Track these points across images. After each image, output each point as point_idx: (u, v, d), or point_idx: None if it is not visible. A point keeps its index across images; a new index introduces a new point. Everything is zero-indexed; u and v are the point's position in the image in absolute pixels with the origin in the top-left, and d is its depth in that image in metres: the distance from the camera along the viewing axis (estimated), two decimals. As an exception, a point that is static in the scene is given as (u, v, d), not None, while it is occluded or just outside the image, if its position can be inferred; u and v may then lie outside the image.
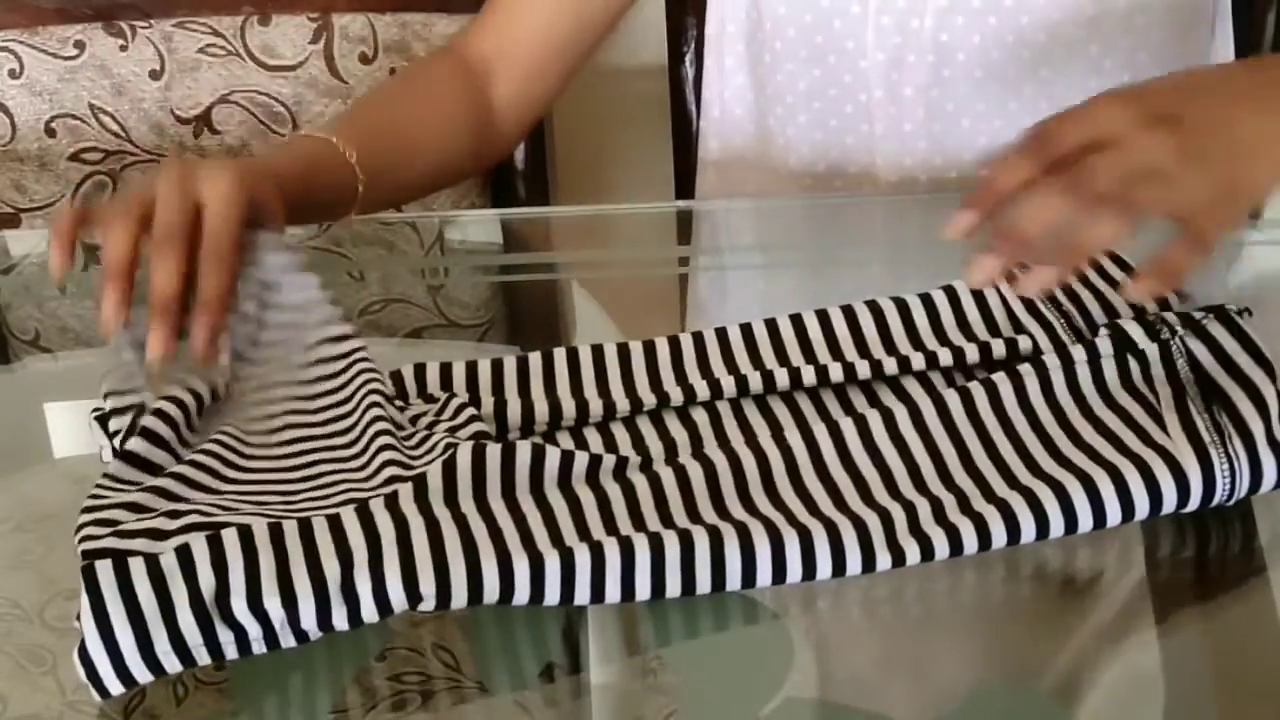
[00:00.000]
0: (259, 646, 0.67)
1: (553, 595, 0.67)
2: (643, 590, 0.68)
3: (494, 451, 0.72)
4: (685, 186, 1.36)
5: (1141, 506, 0.70)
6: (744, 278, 1.12)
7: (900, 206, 1.15)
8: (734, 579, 0.68)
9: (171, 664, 0.66)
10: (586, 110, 1.72)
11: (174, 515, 0.70)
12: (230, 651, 0.66)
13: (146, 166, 1.40)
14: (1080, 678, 0.66)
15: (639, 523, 0.70)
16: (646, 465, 0.74)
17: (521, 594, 0.67)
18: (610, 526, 0.70)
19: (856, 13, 1.09)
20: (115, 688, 0.65)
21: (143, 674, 0.66)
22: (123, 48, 1.38)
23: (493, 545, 0.68)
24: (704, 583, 0.68)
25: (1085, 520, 0.70)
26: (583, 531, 0.70)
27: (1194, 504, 0.71)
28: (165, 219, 0.79)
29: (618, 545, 0.68)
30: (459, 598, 0.67)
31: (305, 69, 1.38)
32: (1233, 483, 0.70)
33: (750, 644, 0.69)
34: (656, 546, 0.68)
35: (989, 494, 0.71)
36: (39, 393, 1.02)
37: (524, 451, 0.72)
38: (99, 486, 0.74)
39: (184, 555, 0.66)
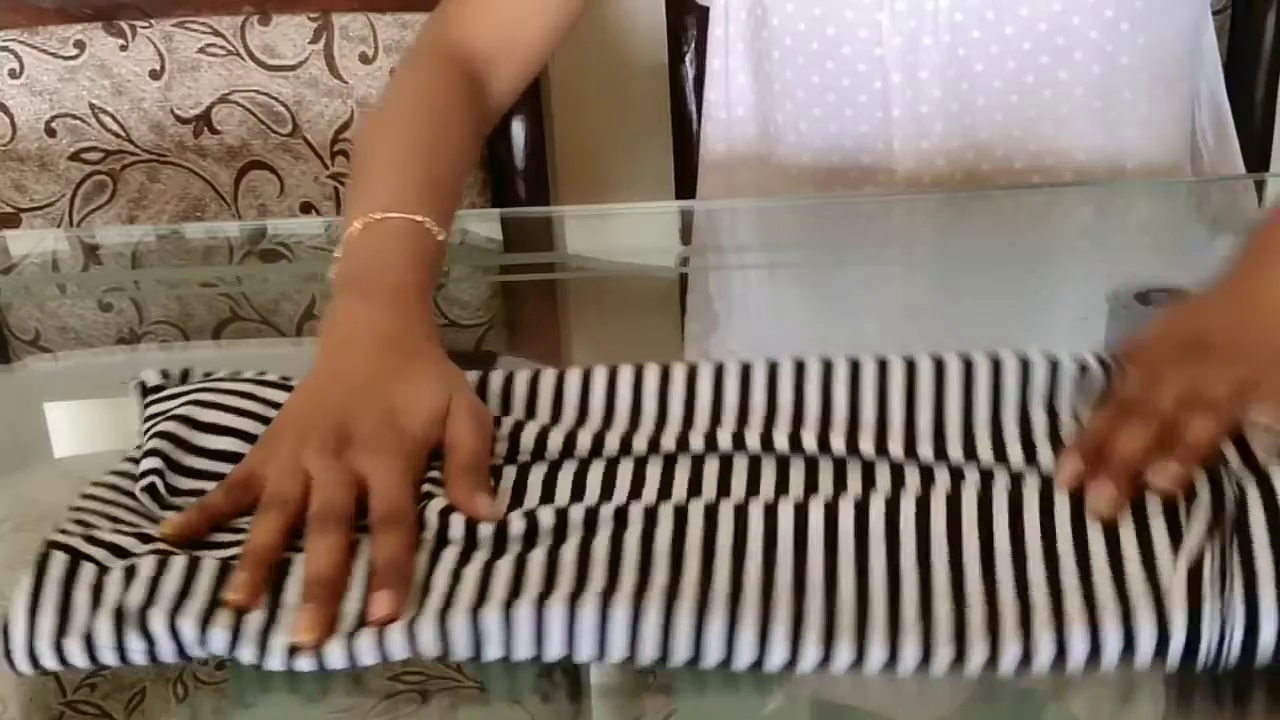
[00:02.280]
0: (170, 658, 0.67)
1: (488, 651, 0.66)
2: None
3: (458, 520, 0.71)
4: (685, 186, 1.36)
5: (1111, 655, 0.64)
6: (744, 278, 1.12)
7: (900, 206, 1.15)
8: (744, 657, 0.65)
9: (77, 658, 0.67)
10: (586, 110, 1.72)
11: (145, 539, 0.72)
12: (138, 658, 0.67)
13: (147, 166, 1.40)
14: (1081, 677, 0.66)
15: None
16: (652, 517, 0.71)
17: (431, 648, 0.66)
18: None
19: (869, 1, 1.09)
20: (24, 667, 0.67)
21: (51, 662, 0.67)
22: (123, 48, 1.38)
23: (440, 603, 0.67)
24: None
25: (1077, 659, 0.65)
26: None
27: (1173, 659, 0.64)
28: (325, 498, 0.72)
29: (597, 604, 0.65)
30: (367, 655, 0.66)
31: (305, 69, 1.38)
32: (1221, 647, 0.63)
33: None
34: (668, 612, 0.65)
35: (993, 611, 0.65)
36: (39, 393, 1.02)
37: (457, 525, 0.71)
38: (96, 485, 0.75)
39: (129, 571, 0.69)
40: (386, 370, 0.78)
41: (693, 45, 1.34)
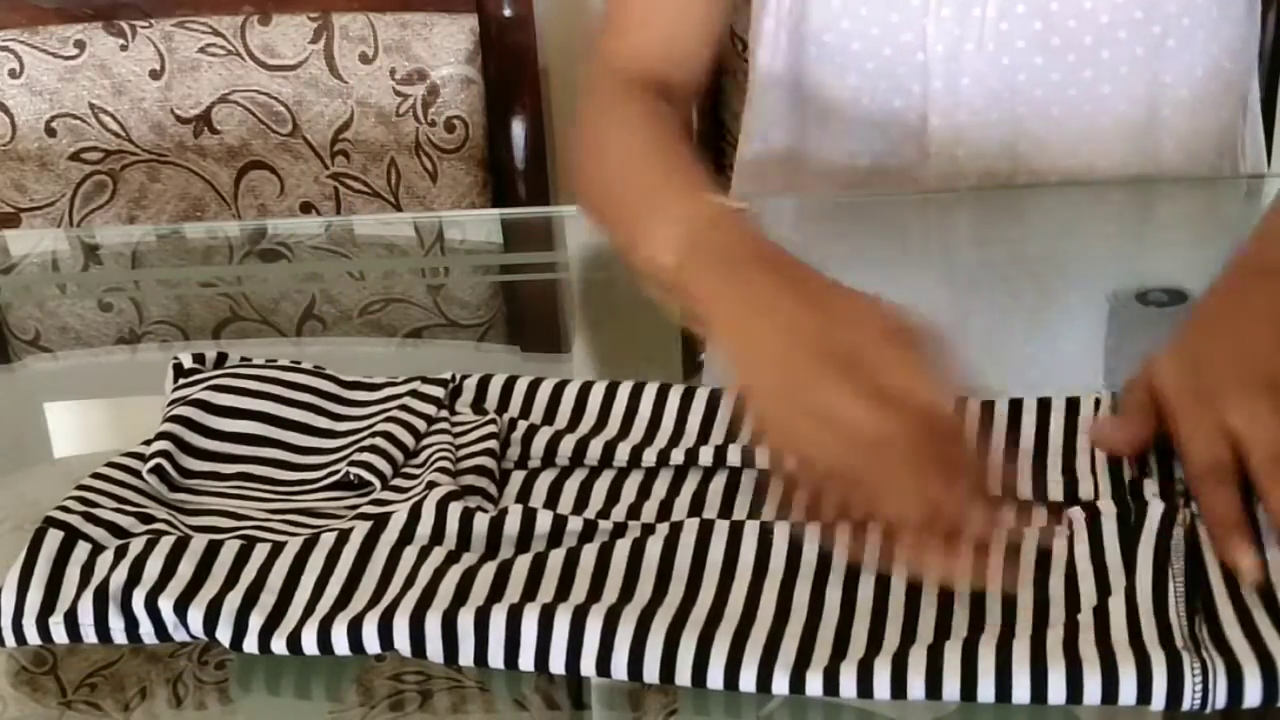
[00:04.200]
0: (150, 639, 0.69)
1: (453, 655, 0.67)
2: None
3: (454, 511, 0.72)
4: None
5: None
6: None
7: (899, 206, 1.15)
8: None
9: (60, 635, 0.69)
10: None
11: (146, 519, 0.72)
12: (119, 637, 0.69)
13: (147, 166, 1.40)
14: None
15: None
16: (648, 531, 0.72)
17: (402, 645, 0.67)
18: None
19: (916, 4, 1.08)
20: (10, 640, 0.69)
21: (34, 637, 0.69)
22: (123, 47, 1.38)
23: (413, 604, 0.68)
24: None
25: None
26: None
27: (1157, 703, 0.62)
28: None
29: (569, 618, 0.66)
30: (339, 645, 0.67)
31: (305, 69, 1.38)
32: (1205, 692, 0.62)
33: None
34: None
35: (971, 651, 0.64)
36: (39, 393, 1.02)
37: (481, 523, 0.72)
38: (107, 465, 0.76)
39: (120, 551, 0.70)
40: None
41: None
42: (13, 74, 1.37)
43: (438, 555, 0.70)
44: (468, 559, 0.70)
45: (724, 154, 1.39)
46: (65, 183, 1.40)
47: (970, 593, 0.67)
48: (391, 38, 1.37)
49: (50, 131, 1.39)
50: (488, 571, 0.69)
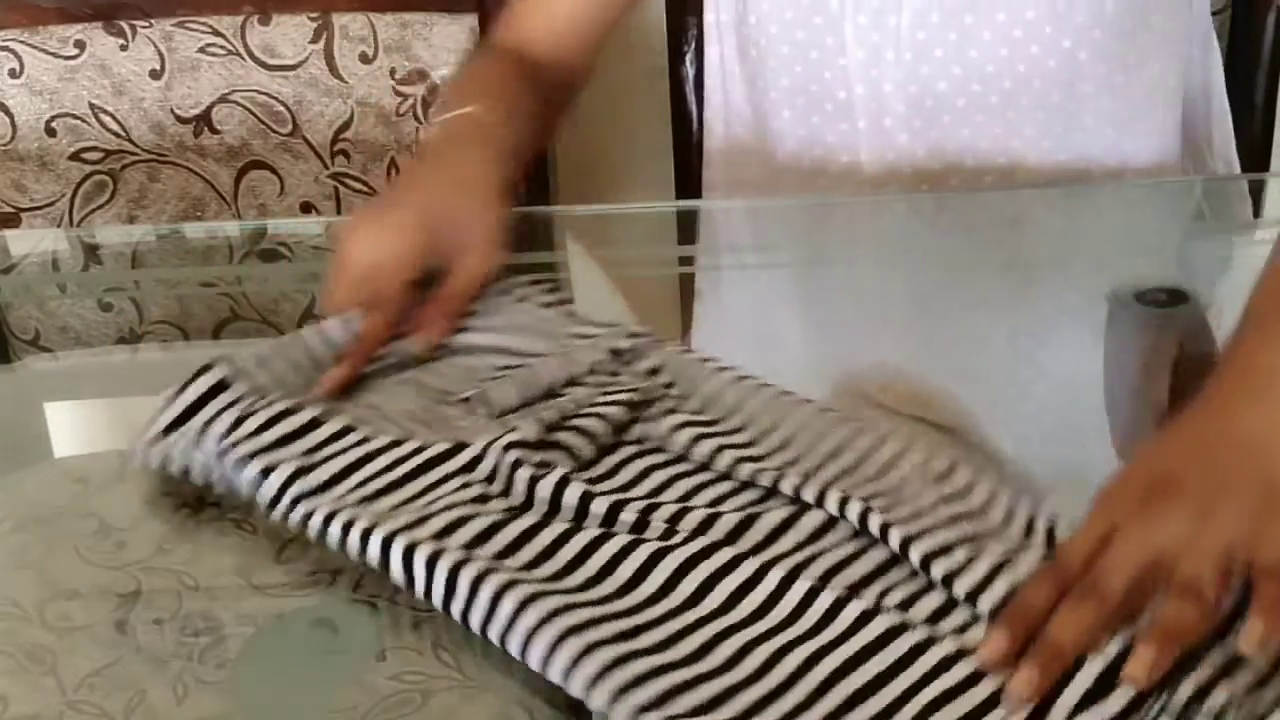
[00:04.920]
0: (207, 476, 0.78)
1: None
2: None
3: (510, 460, 0.75)
4: (686, 186, 1.36)
5: None
6: (748, 275, 1.12)
7: (899, 206, 1.15)
8: None
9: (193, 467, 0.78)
10: (586, 110, 1.71)
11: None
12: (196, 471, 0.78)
13: (147, 166, 1.40)
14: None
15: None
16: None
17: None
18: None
19: (835, 10, 1.09)
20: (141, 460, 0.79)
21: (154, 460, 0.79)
22: (123, 47, 1.38)
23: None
24: None
25: None
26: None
27: None
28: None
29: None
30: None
31: (305, 68, 1.38)
32: None
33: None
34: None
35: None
36: (39, 393, 1.03)
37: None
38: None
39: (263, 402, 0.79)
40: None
41: (693, 45, 1.34)
42: (13, 74, 1.37)
43: (470, 497, 0.74)
44: (498, 511, 0.73)
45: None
46: (65, 183, 1.40)
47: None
48: (391, 38, 1.37)
49: (50, 131, 1.39)
50: (509, 531, 0.71)
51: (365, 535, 0.71)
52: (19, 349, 1.07)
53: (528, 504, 0.74)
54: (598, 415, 0.79)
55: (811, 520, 0.72)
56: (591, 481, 0.75)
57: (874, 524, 0.70)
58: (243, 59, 1.38)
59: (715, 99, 1.23)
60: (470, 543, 0.71)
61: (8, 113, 1.38)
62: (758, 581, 0.68)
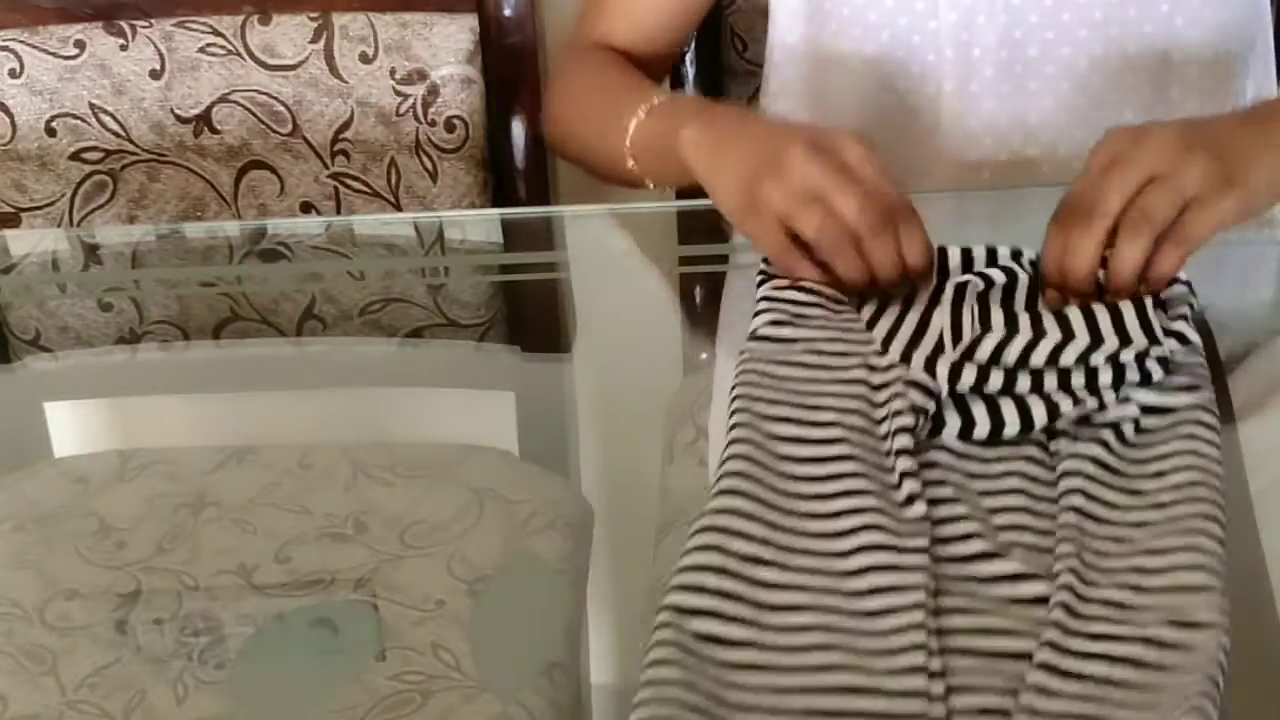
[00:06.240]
0: None
1: None
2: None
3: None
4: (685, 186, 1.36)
5: None
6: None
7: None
8: None
9: None
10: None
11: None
12: None
13: (147, 166, 1.40)
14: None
15: None
16: None
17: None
18: None
19: None
20: None
21: None
22: (123, 47, 1.38)
23: None
24: None
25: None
26: None
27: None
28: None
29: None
30: None
31: (305, 68, 1.38)
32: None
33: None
34: None
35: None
36: (39, 393, 1.03)
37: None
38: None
39: None
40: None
41: (693, 45, 1.34)
42: (13, 74, 1.37)
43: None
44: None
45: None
46: (65, 183, 1.40)
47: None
48: (391, 37, 1.37)
49: (50, 131, 1.39)
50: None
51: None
52: (19, 349, 1.07)
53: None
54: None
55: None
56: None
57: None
58: (243, 59, 1.38)
59: (776, 81, 1.20)
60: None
61: (8, 113, 1.38)
62: None
